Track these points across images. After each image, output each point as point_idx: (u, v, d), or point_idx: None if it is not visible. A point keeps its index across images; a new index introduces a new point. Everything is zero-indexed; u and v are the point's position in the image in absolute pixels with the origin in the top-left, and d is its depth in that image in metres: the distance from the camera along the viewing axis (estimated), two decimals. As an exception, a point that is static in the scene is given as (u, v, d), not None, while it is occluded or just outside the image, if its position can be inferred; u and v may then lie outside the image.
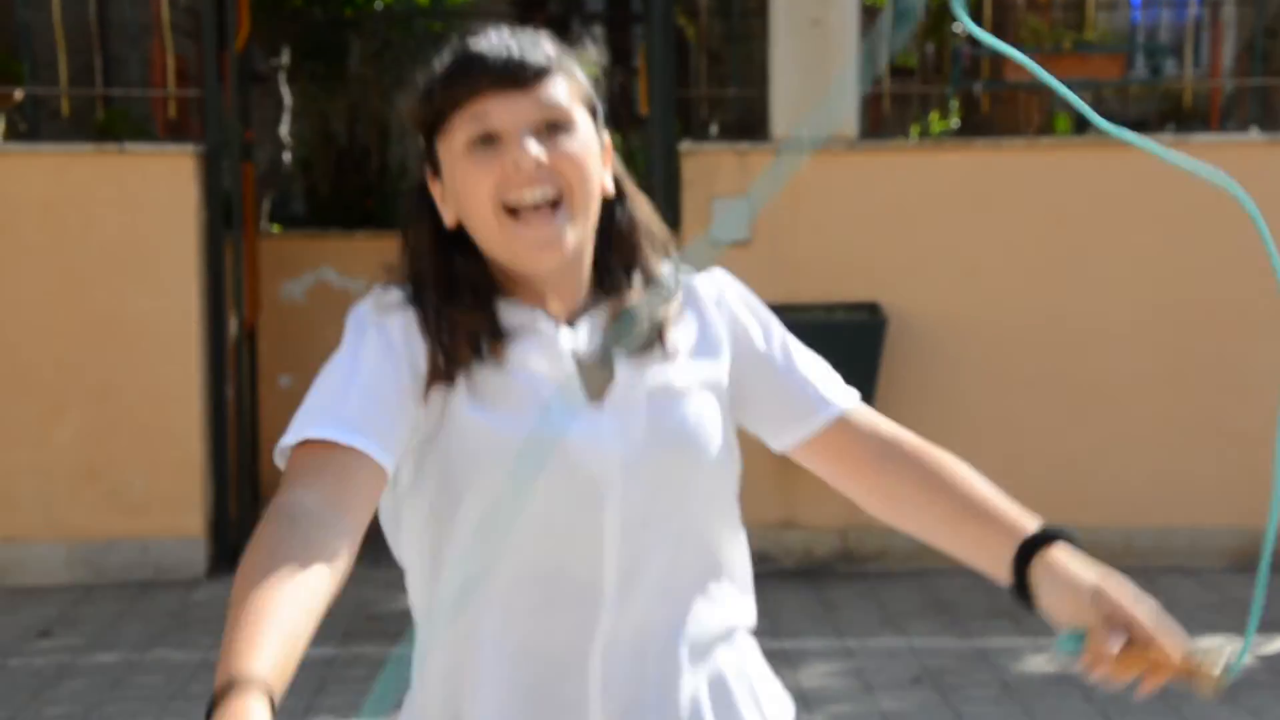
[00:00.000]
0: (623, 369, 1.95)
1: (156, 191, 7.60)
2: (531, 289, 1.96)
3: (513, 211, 1.88)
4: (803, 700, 5.87)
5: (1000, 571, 1.99)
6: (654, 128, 7.89)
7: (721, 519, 2.03)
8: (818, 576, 7.60)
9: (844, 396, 2.09)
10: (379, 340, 1.89)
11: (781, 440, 2.10)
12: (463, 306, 1.93)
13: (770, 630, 6.65)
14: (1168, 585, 7.44)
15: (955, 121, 9.40)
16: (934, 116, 9.60)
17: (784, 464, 8.09)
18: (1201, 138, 8.13)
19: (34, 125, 8.46)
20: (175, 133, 8.41)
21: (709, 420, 1.98)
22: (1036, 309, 7.74)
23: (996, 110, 8.94)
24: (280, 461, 1.84)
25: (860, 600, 7.15)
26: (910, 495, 2.06)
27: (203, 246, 7.63)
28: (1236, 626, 7.43)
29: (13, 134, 8.18)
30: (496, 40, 1.91)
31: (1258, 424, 7.74)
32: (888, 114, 9.05)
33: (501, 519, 1.87)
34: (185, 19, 9.20)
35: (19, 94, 8.18)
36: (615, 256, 2.00)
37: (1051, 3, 9.16)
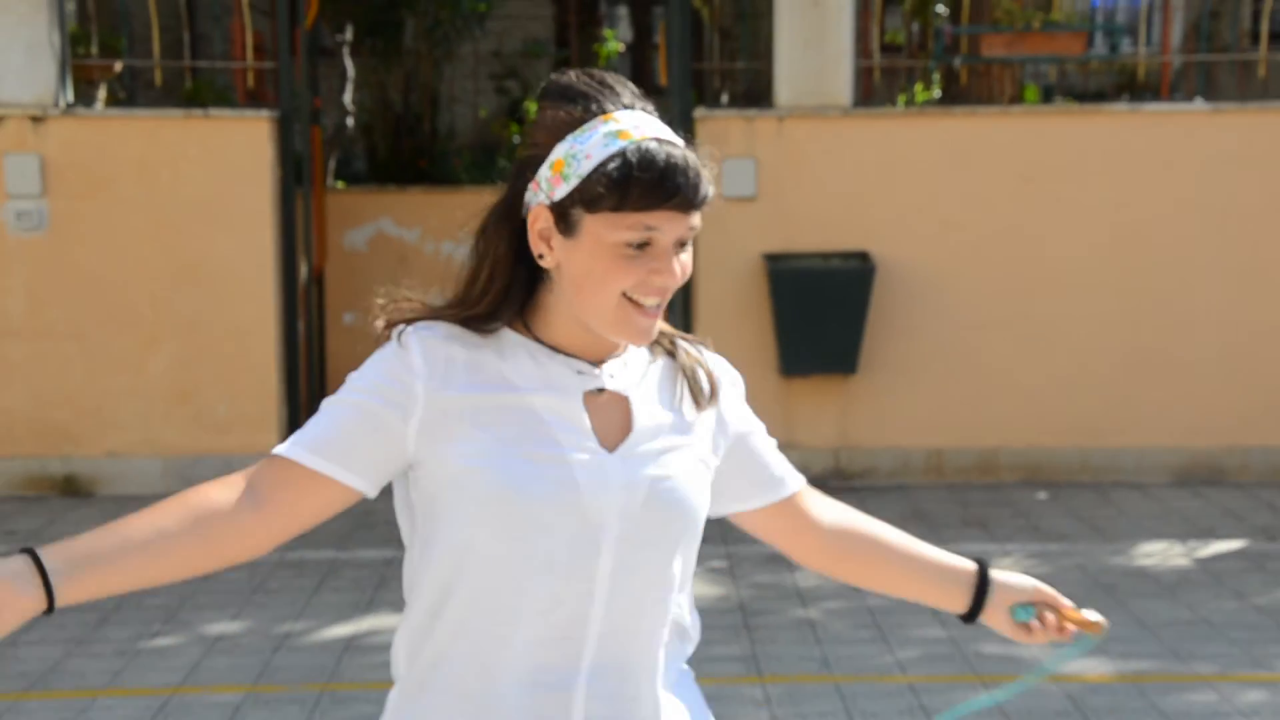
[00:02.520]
0: (639, 422, 1.91)
1: (236, 152, 7.59)
2: (569, 340, 1.91)
3: (638, 305, 1.84)
4: (799, 597, 5.90)
5: (956, 605, 2.18)
6: (672, 97, 7.86)
7: (689, 566, 2.00)
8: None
9: (796, 480, 2.17)
10: (387, 377, 1.86)
11: (738, 506, 2.13)
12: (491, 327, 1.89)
13: (771, 536, 6.70)
14: (1118, 498, 7.46)
15: (937, 92, 9.34)
16: (919, 87, 9.54)
17: (785, 390, 8.11)
18: (1152, 106, 8.08)
19: (131, 93, 8.47)
20: (253, 100, 8.41)
21: (701, 491, 1.96)
22: (1006, 257, 7.71)
23: (973, 82, 8.89)
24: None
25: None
26: (862, 566, 2.22)
27: (277, 200, 7.63)
28: (1177, 534, 7.44)
29: (113, 101, 8.18)
30: (682, 164, 1.82)
31: (1197, 356, 7.73)
32: (878, 85, 8.99)
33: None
34: (262, 0, 9.17)
35: (118, 66, 8.18)
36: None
37: (1023, -13, 9.07)
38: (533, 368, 1.88)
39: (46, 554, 1.73)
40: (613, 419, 1.89)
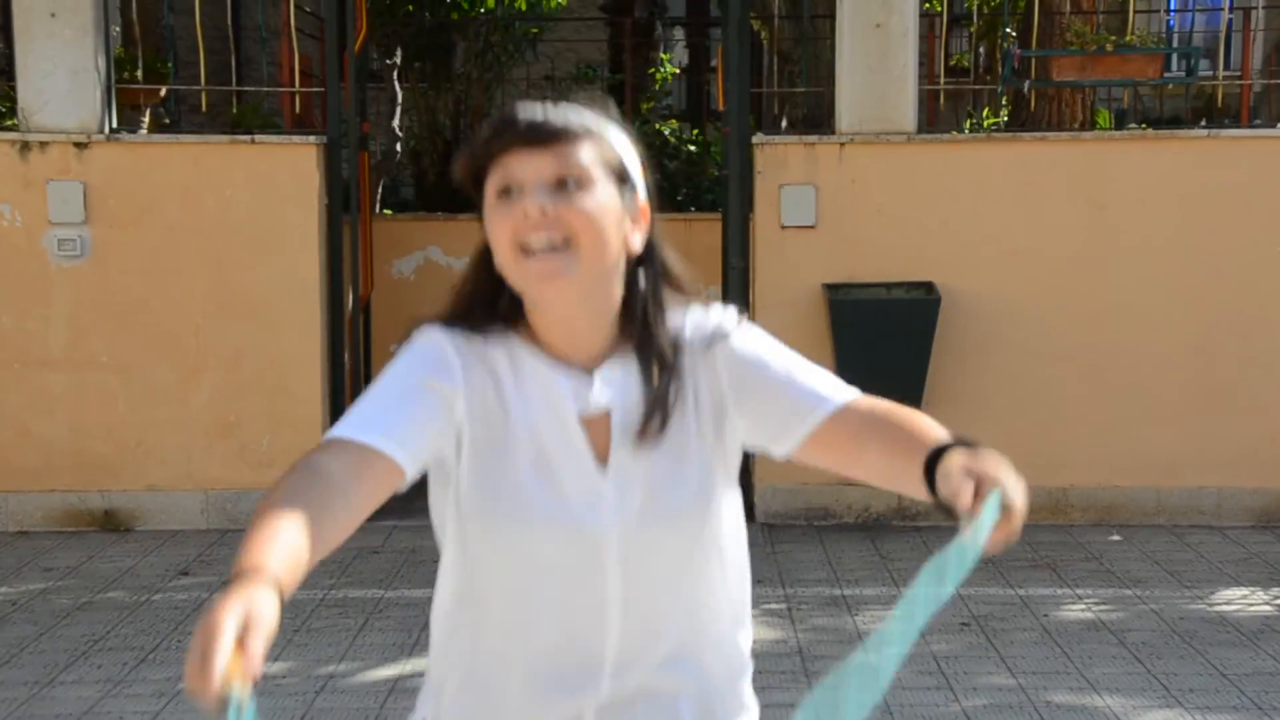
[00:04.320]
0: (624, 440, 1.93)
1: (283, 178, 7.65)
2: (556, 339, 1.96)
3: (528, 252, 1.88)
4: (860, 640, 5.85)
5: (920, 489, 1.88)
6: (730, 122, 7.86)
7: (721, 580, 2.00)
8: (875, 530, 7.58)
9: (843, 393, 2.00)
10: (424, 353, 1.94)
11: (786, 442, 1.99)
12: (489, 333, 1.96)
13: (831, 579, 6.67)
14: (1196, 541, 7.37)
15: (1005, 117, 9.31)
16: (985, 112, 9.51)
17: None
18: (1231, 132, 8.01)
19: (176, 118, 8.55)
20: (300, 125, 8.47)
21: (701, 488, 1.96)
22: (1075, 288, 7.67)
23: (1042, 106, 8.85)
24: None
25: (913, 552, 7.13)
26: (874, 451, 1.95)
27: (323, 227, 7.68)
28: (1258, 579, 7.34)
29: (157, 126, 8.26)
30: (531, 107, 1.93)
31: (1276, 393, 7.64)
32: (943, 109, 8.97)
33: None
34: (310, 23, 9.26)
35: (163, 90, 8.26)
36: (636, 310, 1.97)
37: (1095, 8, 9.04)
38: (532, 385, 1.94)
39: (271, 573, 1.63)
40: (606, 432, 1.94)
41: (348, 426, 1.88)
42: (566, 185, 1.88)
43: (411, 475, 1.88)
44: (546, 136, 1.89)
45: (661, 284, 2.01)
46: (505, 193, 1.89)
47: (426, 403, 1.89)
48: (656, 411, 1.94)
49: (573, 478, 1.91)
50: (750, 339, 2.03)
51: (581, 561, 1.90)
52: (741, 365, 2.00)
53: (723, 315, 2.04)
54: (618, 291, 1.97)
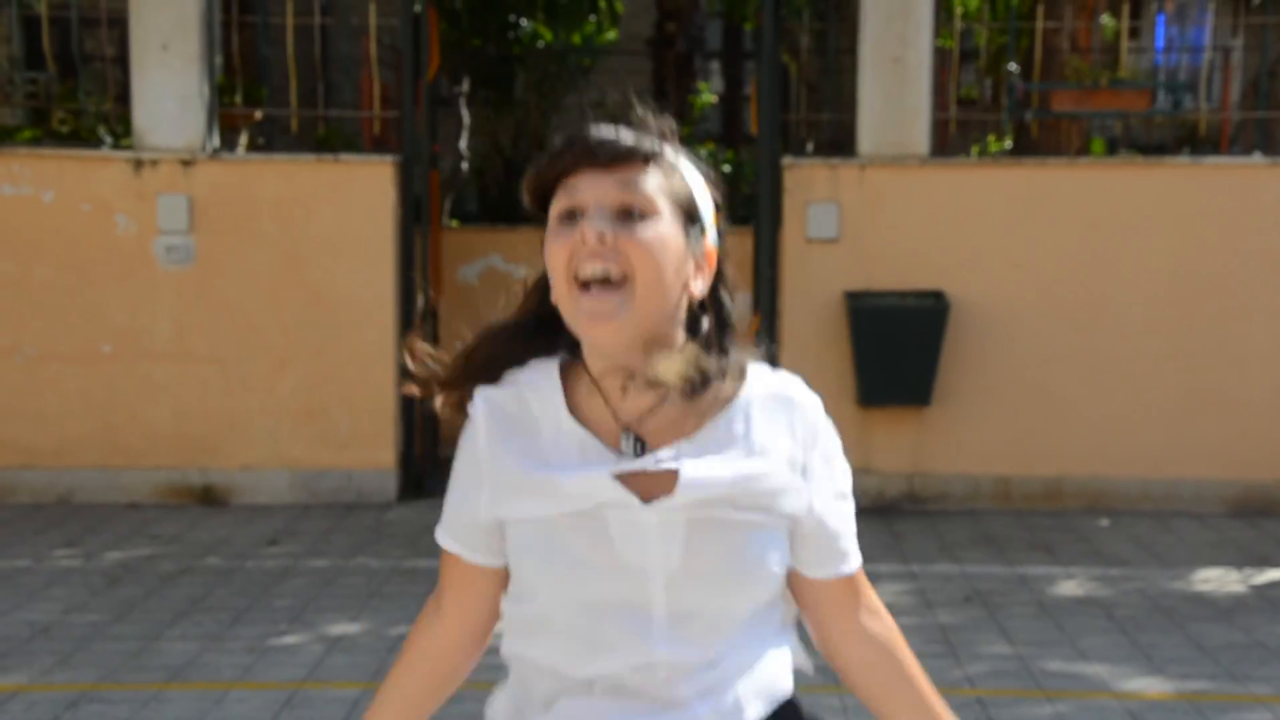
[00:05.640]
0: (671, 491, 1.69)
1: (362, 193, 7.69)
2: (610, 387, 1.71)
3: (583, 285, 1.64)
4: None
5: None
6: (761, 145, 7.86)
7: (768, 611, 1.80)
8: (888, 513, 7.58)
9: (855, 560, 1.83)
10: (468, 458, 1.77)
11: (796, 566, 1.80)
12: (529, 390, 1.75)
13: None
14: (1177, 526, 7.34)
15: (1009, 143, 9.28)
16: (991, 139, 9.48)
17: (863, 419, 8.05)
18: (1212, 160, 7.97)
19: (269, 139, 8.61)
20: (378, 146, 8.53)
21: (753, 552, 1.71)
22: (1072, 298, 7.64)
23: (1043, 135, 8.81)
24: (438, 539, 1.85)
25: (922, 533, 7.12)
26: (869, 685, 1.85)
27: (397, 237, 7.72)
28: (1233, 561, 7.30)
29: (254, 146, 8.33)
30: (601, 127, 1.68)
31: (1252, 395, 7.60)
32: (953, 136, 8.95)
33: None
34: (388, 54, 9.31)
35: (259, 114, 8.33)
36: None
37: (1091, 46, 9.01)
38: (570, 444, 1.71)
39: None
40: (657, 480, 1.69)
41: (445, 533, 1.82)
42: (631, 214, 1.64)
43: (506, 567, 1.78)
44: (613, 157, 1.64)
45: (727, 334, 1.74)
46: (568, 217, 1.66)
47: (481, 516, 1.77)
48: (709, 463, 1.68)
49: (612, 510, 1.68)
50: (825, 437, 1.77)
51: (625, 588, 1.70)
52: (811, 455, 1.75)
53: (804, 391, 1.78)
54: (677, 338, 1.70)
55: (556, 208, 1.67)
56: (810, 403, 1.77)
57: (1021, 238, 7.64)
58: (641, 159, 1.66)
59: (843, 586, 1.83)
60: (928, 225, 7.65)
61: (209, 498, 7.70)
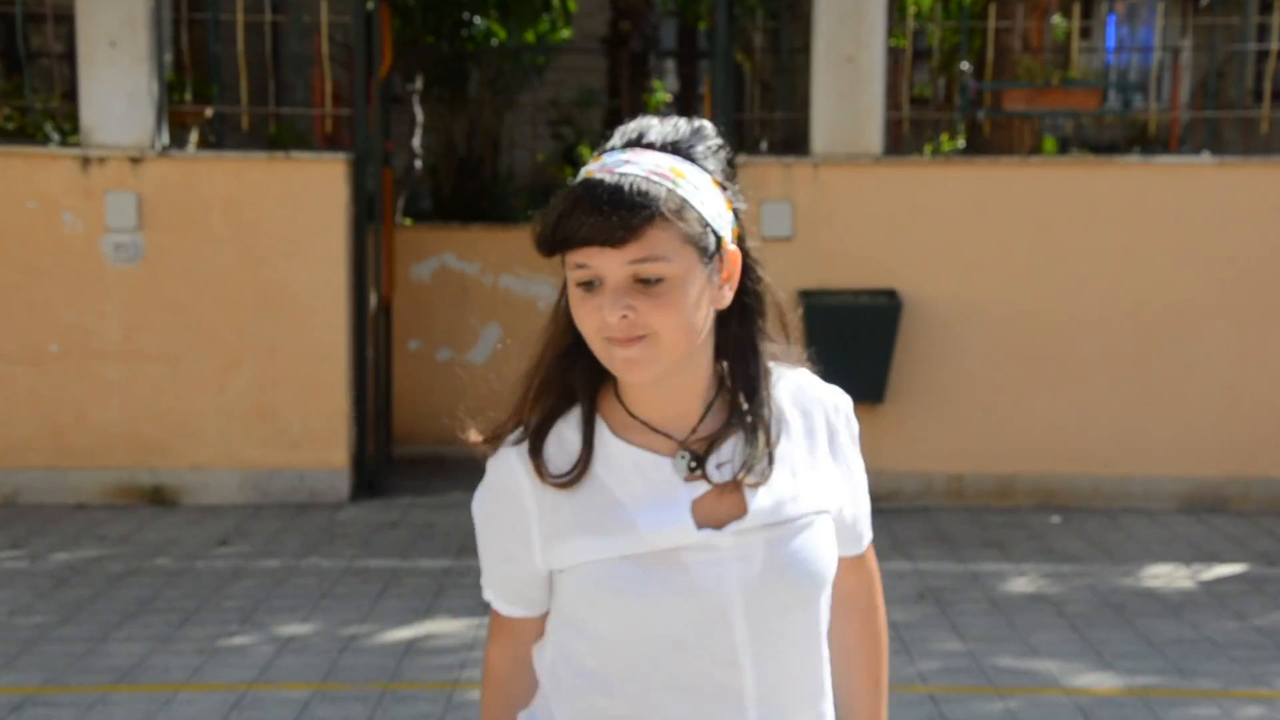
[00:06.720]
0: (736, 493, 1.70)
1: (314, 191, 7.64)
2: (649, 410, 1.72)
3: (612, 340, 1.64)
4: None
5: None
6: (715, 144, 7.85)
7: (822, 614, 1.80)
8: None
9: (868, 535, 1.91)
10: (510, 515, 1.74)
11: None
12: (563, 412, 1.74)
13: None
14: (1127, 523, 7.39)
15: (961, 142, 9.32)
16: (944, 138, 9.52)
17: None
18: (1162, 159, 8.02)
19: (220, 136, 8.54)
20: (330, 143, 8.46)
21: (824, 551, 1.73)
22: (1024, 296, 7.67)
23: (995, 134, 8.86)
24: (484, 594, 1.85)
25: (876, 530, 7.09)
26: (836, 654, 1.88)
27: (350, 235, 7.67)
28: (1182, 557, 7.35)
29: (204, 143, 8.26)
30: (604, 190, 1.59)
31: (1201, 393, 7.66)
32: (906, 135, 8.97)
33: None
34: (340, 52, 9.25)
35: (209, 111, 8.26)
36: (728, 363, 1.73)
37: (1042, 46, 9.05)
38: (622, 465, 1.70)
39: None
40: (722, 500, 1.69)
41: (489, 590, 1.82)
42: (648, 281, 1.60)
43: (538, 612, 1.80)
44: (621, 238, 1.58)
45: (756, 331, 1.76)
46: (587, 285, 1.63)
47: (522, 562, 1.75)
48: (758, 465, 1.70)
49: (682, 540, 1.67)
50: (854, 443, 1.84)
51: (703, 618, 1.67)
52: (843, 441, 1.81)
53: (837, 394, 1.82)
54: (707, 353, 1.72)
55: (573, 275, 1.63)
56: (827, 389, 1.82)
57: (974, 236, 7.68)
58: (647, 221, 1.60)
59: (859, 560, 1.92)
60: (881, 224, 7.67)
61: (159, 498, 7.63)
